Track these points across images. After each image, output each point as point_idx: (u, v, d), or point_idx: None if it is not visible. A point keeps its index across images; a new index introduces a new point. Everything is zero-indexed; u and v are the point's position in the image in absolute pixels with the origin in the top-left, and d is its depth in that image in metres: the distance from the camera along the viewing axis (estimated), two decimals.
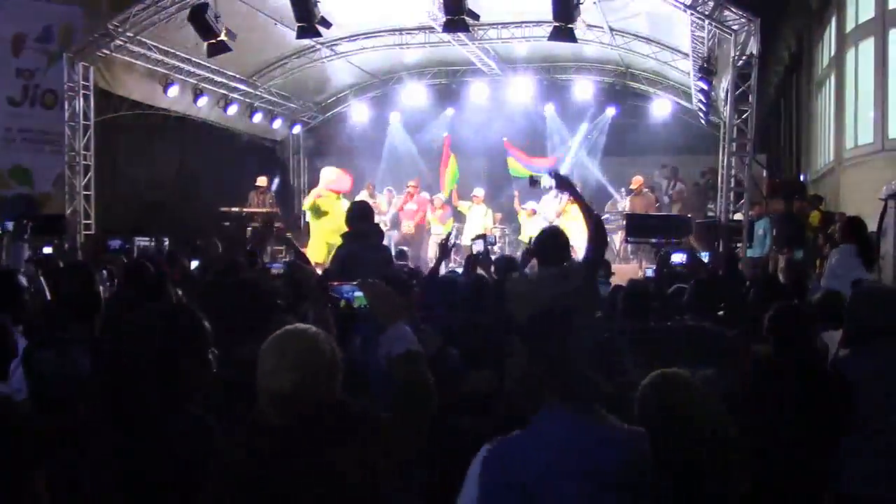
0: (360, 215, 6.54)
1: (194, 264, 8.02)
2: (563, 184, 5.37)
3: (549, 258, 4.77)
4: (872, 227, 7.83)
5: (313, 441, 2.21)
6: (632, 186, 14.86)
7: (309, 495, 2.18)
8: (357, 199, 13.64)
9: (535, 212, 14.71)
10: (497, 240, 14.80)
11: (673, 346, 3.79)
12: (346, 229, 6.63)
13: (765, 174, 15.00)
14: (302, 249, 8.17)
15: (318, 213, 13.02)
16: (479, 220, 14.99)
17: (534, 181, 5.95)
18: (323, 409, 2.24)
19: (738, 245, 11.04)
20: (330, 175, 13.57)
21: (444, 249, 6.15)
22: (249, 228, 14.30)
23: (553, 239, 4.87)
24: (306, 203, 12.73)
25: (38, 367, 3.10)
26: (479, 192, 15.30)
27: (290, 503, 2.19)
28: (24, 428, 2.36)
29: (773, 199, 12.34)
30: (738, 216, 11.62)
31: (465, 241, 14.96)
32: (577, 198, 5.20)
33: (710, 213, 13.51)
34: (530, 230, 14.26)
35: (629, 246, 14.27)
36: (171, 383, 2.34)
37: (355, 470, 2.19)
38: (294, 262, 6.22)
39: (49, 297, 4.58)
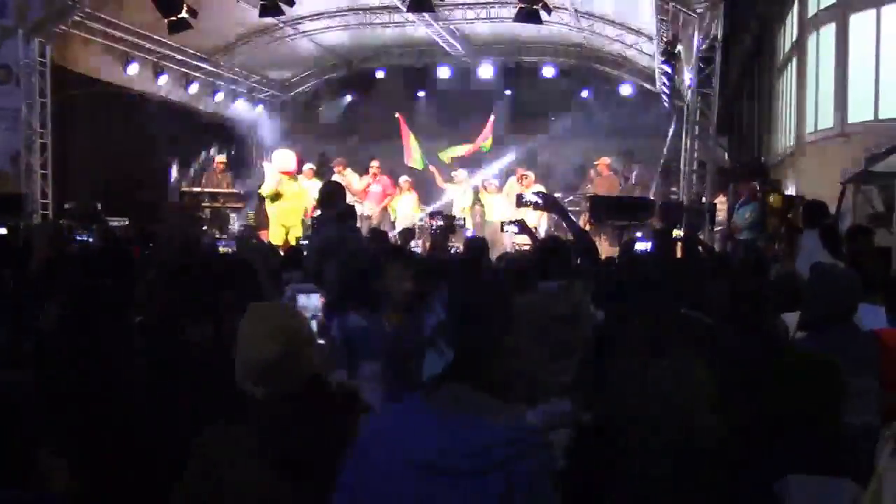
0: (333, 197, 6.33)
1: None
2: (550, 204, 5.13)
3: (554, 272, 4.18)
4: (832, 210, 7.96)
5: (300, 412, 2.20)
6: (597, 168, 14.84)
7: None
8: (332, 179, 13.44)
9: (500, 189, 14.46)
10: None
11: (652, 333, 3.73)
12: (298, 211, 6.48)
13: (726, 157, 15.15)
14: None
15: (275, 197, 12.73)
16: (459, 198, 14.77)
17: (521, 201, 5.93)
18: (304, 382, 2.25)
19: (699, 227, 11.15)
20: (278, 157, 13.26)
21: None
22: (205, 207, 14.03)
23: (556, 252, 4.48)
24: (266, 190, 12.39)
25: None
26: (462, 173, 15.00)
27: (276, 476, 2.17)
28: (23, 410, 2.33)
29: (738, 182, 12.45)
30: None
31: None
32: (567, 220, 4.92)
33: (674, 196, 13.64)
34: (499, 210, 13.99)
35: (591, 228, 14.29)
36: None
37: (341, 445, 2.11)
38: (245, 239, 6.13)
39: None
